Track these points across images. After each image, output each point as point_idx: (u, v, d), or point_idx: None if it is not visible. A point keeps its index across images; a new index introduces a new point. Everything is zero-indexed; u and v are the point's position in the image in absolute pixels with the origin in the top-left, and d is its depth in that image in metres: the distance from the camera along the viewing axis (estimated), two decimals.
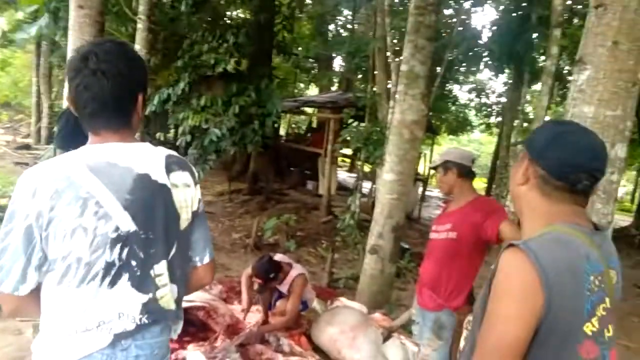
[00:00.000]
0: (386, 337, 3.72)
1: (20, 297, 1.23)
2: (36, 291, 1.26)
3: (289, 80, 18.35)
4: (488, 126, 21.17)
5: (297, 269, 3.94)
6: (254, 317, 4.05)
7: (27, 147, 14.10)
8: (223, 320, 3.76)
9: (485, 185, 17.24)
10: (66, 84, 4.74)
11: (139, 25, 6.24)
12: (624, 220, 15.22)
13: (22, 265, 1.20)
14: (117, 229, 1.23)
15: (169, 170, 1.33)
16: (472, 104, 20.33)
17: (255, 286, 3.81)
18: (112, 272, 1.25)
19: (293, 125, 18.14)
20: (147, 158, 1.31)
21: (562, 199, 1.18)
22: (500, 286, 1.09)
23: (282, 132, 15.65)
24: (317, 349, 3.76)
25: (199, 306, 3.75)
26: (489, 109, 19.71)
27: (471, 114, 21.81)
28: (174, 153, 1.40)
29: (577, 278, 1.06)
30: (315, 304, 4.68)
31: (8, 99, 21.35)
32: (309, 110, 13.49)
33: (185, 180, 1.38)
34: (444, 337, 2.70)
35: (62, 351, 1.24)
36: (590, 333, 1.07)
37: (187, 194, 1.37)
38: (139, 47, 6.20)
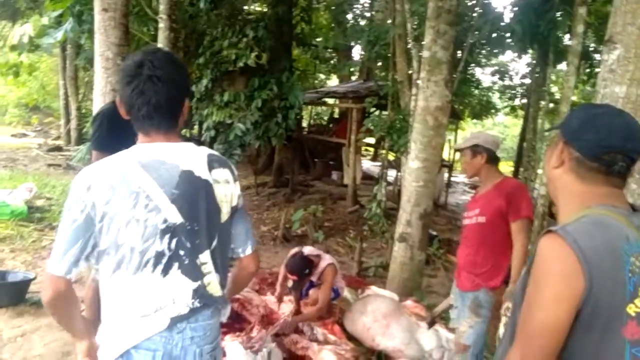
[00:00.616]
0: (430, 323, 3.77)
1: (68, 281, 1.32)
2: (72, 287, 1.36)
3: (309, 71, 18.32)
4: (513, 109, 20.73)
5: (326, 259, 4.01)
6: (287, 307, 4.12)
7: (58, 148, 14.48)
8: (257, 311, 3.85)
9: (512, 168, 16.98)
10: (97, 86, 4.83)
11: (161, 25, 6.34)
12: None
13: (77, 251, 1.31)
14: (165, 220, 1.34)
15: (210, 167, 1.44)
16: (496, 87, 19.95)
17: (290, 283, 3.89)
18: (164, 262, 1.35)
19: (315, 117, 18.16)
20: (191, 156, 1.42)
21: (597, 181, 1.18)
22: (540, 271, 1.10)
23: (304, 124, 15.68)
24: (350, 337, 3.81)
25: (234, 298, 3.85)
26: (513, 91, 19.31)
27: (495, 97, 21.41)
28: (215, 152, 1.51)
29: (617, 260, 1.06)
30: (346, 293, 4.73)
31: (37, 103, 21.92)
32: (330, 100, 13.47)
33: (226, 177, 1.48)
34: (482, 315, 2.75)
35: (125, 335, 1.35)
36: (633, 314, 1.07)
37: (227, 190, 1.48)
38: (161, 46, 6.30)
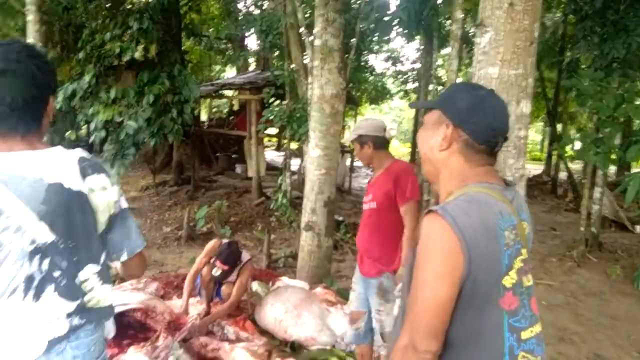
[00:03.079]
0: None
1: None
2: None
3: (204, 63, 17.76)
4: (406, 93, 21.78)
5: (246, 255, 4.03)
6: (195, 309, 3.97)
7: None
8: (162, 317, 3.65)
9: (410, 149, 17.88)
10: None
11: (29, 17, 5.74)
12: (536, 168, 16.42)
13: None
14: (33, 241, 1.20)
15: (84, 174, 1.28)
16: (389, 73, 20.78)
17: (217, 272, 3.77)
18: (34, 285, 1.22)
19: (214, 110, 17.69)
20: (58, 166, 1.25)
21: (481, 161, 1.23)
22: (423, 252, 1.13)
23: (203, 118, 15.20)
24: (263, 331, 3.76)
25: (135, 308, 3.62)
26: (405, 76, 20.25)
27: (389, 82, 22.31)
28: (87, 155, 1.34)
29: (493, 235, 1.11)
30: (257, 286, 4.67)
31: None
32: (228, 93, 13.17)
33: (102, 183, 1.33)
34: (391, 300, 2.80)
35: None
36: (509, 285, 1.13)
37: (104, 197, 1.34)
38: (32, 40, 5.71)
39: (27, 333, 1.22)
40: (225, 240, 4.05)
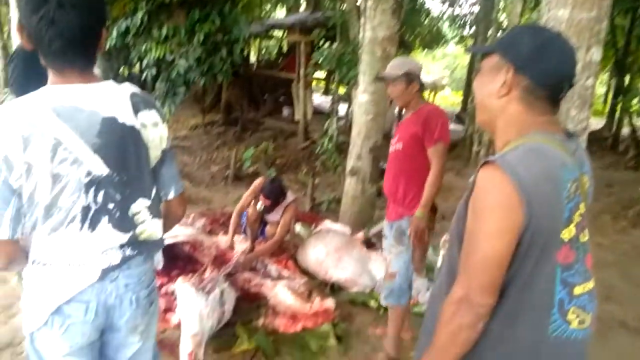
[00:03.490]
0: (366, 243, 4.11)
1: (16, 243, 1.23)
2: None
3: (254, 2, 17.43)
4: (462, 38, 20.76)
5: (291, 195, 4.09)
6: (241, 247, 4.11)
7: None
8: (209, 252, 3.81)
9: (462, 98, 17.28)
10: (15, 20, 4.37)
11: None
12: (597, 122, 15.53)
13: (13, 210, 1.20)
14: (89, 173, 1.24)
15: (136, 109, 1.30)
16: (446, 16, 19.77)
17: (260, 207, 3.93)
18: (90, 216, 1.27)
19: (263, 51, 17.52)
20: (112, 100, 1.27)
21: (542, 109, 1.14)
22: (480, 204, 1.08)
23: (253, 58, 15.10)
24: (304, 271, 3.87)
25: (184, 241, 3.79)
26: (462, 20, 19.23)
27: (445, 27, 21.27)
28: (139, 91, 1.36)
29: (556, 186, 1.05)
30: (300, 228, 4.76)
31: None
32: (278, 33, 12.94)
33: (154, 119, 1.36)
34: (404, 243, 2.74)
35: (54, 293, 1.27)
36: (567, 239, 1.08)
37: (156, 133, 1.37)
38: None
39: (83, 261, 1.28)
40: None
